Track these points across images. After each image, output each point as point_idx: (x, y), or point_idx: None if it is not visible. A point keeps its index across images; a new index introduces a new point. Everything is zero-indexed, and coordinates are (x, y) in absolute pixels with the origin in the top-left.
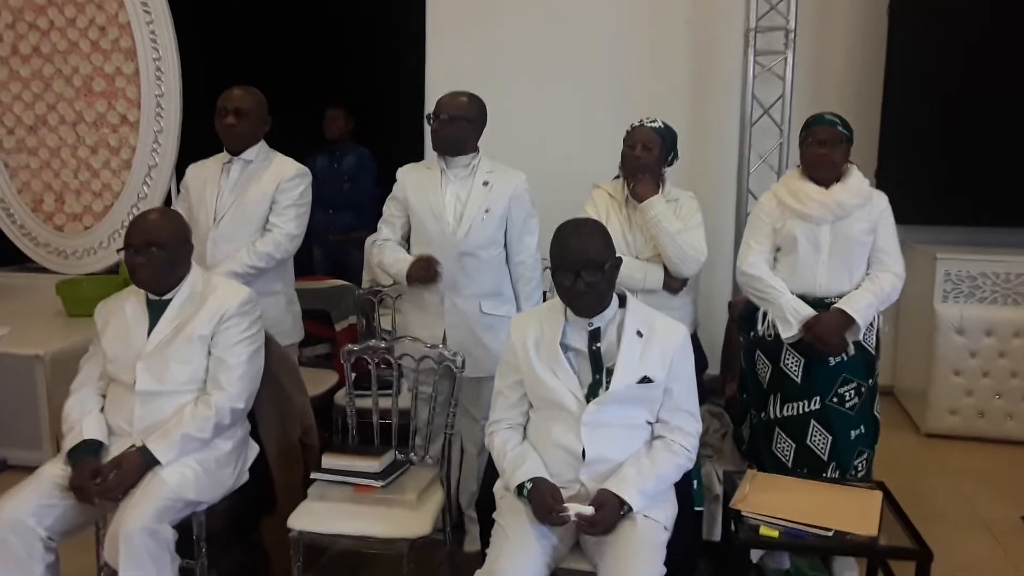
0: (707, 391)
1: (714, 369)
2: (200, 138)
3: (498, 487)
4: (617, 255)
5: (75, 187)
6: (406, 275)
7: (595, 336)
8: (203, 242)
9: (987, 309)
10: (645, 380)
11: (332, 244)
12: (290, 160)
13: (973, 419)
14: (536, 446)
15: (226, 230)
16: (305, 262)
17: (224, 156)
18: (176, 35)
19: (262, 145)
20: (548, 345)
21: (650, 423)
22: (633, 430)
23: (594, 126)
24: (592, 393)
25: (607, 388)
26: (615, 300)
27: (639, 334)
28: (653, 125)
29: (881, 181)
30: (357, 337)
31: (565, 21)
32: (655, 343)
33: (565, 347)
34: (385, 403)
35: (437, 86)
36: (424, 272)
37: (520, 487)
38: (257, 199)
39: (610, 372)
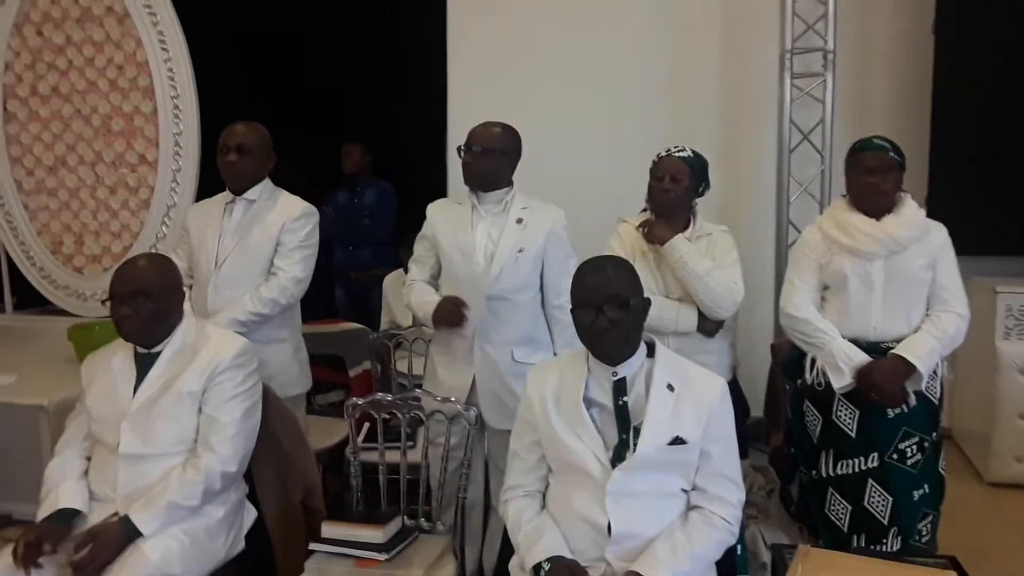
0: (749, 437)
1: (757, 410)
2: (218, 177)
3: (514, 565)
4: (646, 296)
5: (94, 228)
6: (432, 319)
7: (620, 388)
8: (204, 287)
9: None
10: (677, 441)
11: (354, 282)
12: (296, 199)
13: None
14: (556, 518)
15: (228, 275)
16: (327, 302)
17: (226, 196)
18: (193, 72)
19: (266, 183)
20: (569, 400)
21: (685, 491)
22: (666, 500)
23: (621, 154)
24: (618, 457)
25: (634, 451)
26: (643, 348)
27: (670, 388)
28: (681, 155)
29: (933, 209)
30: (372, 384)
31: (592, 44)
32: (689, 398)
33: (588, 402)
34: (398, 457)
35: (459, 116)
36: (449, 315)
37: (537, 568)
38: (261, 241)
39: (638, 432)
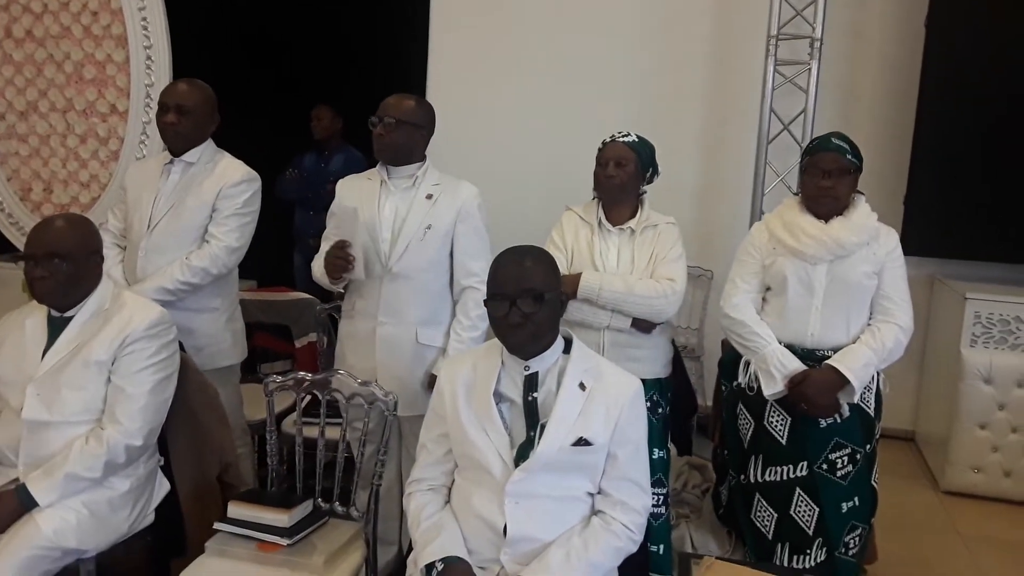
0: (697, 430)
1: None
2: None
3: (411, 561)
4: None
5: (63, 177)
6: (327, 274)
7: (531, 384)
8: (135, 251)
9: (1020, 357)
10: (582, 442)
11: (313, 248)
12: (238, 163)
13: (998, 479)
14: (457, 515)
15: (159, 240)
16: (285, 269)
17: (166, 156)
18: (169, 24)
19: (208, 145)
20: (480, 393)
21: (592, 494)
22: (568, 503)
23: (602, 135)
24: (523, 455)
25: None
26: (559, 344)
27: (582, 386)
28: (626, 140)
29: (910, 208)
30: (318, 355)
31: (577, 21)
32: (600, 398)
33: (499, 396)
34: (331, 432)
35: (438, 87)
36: (335, 260)
37: (429, 567)
38: (195, 206)
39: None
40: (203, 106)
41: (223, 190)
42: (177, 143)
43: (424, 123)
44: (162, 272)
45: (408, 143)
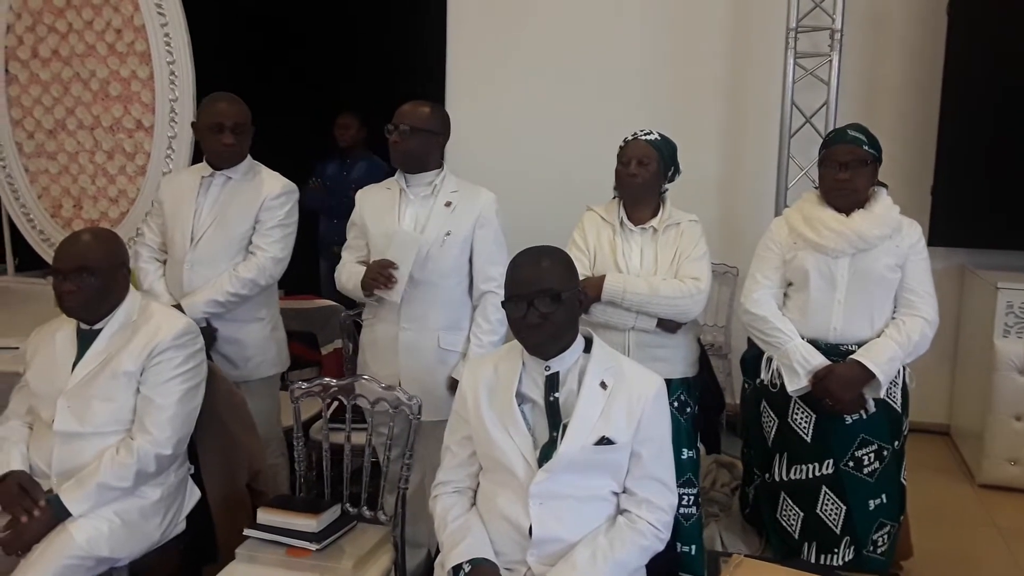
0: (725, 428)
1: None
2: None
3: (438, 564)
4: (580, 288)
5: (92, 193)
6: (361, 284)
7: (552, 384)
8: (179, 265)
9: None
10: (604, 441)
11: (337, 256)
12: (276, 175)
13: None
14: (483, 516)
15: (204, 252)
16: (311, 276)
17: (203, 169)
18: (191, 38)
19: (247, 158)
20: (502, 394)
21: (617, 493)
22: (593, 503)
23: (621, 134)
24: (546, 456)
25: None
26: (579, 343)
27: (603, 385)
28: (648, 138)
29: (937, 198)
30: (343, 361)
31: (592, 22)
32: (621, 397)
33: (521, 397)
34: (358, 438)
35: (457, 94)
36: (377, 276)
37: (456, 569)
38: (240, 218)
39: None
40: (249, 121)
41: (265, 202)
42: (234, 161)
43: (440, 129)
44: (212, 285)
45: (424, 150)
